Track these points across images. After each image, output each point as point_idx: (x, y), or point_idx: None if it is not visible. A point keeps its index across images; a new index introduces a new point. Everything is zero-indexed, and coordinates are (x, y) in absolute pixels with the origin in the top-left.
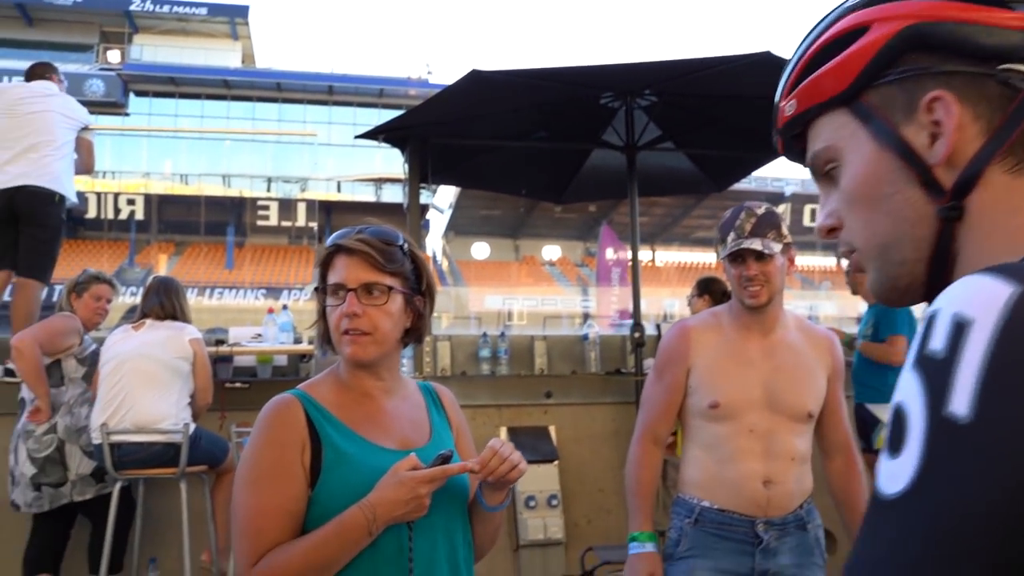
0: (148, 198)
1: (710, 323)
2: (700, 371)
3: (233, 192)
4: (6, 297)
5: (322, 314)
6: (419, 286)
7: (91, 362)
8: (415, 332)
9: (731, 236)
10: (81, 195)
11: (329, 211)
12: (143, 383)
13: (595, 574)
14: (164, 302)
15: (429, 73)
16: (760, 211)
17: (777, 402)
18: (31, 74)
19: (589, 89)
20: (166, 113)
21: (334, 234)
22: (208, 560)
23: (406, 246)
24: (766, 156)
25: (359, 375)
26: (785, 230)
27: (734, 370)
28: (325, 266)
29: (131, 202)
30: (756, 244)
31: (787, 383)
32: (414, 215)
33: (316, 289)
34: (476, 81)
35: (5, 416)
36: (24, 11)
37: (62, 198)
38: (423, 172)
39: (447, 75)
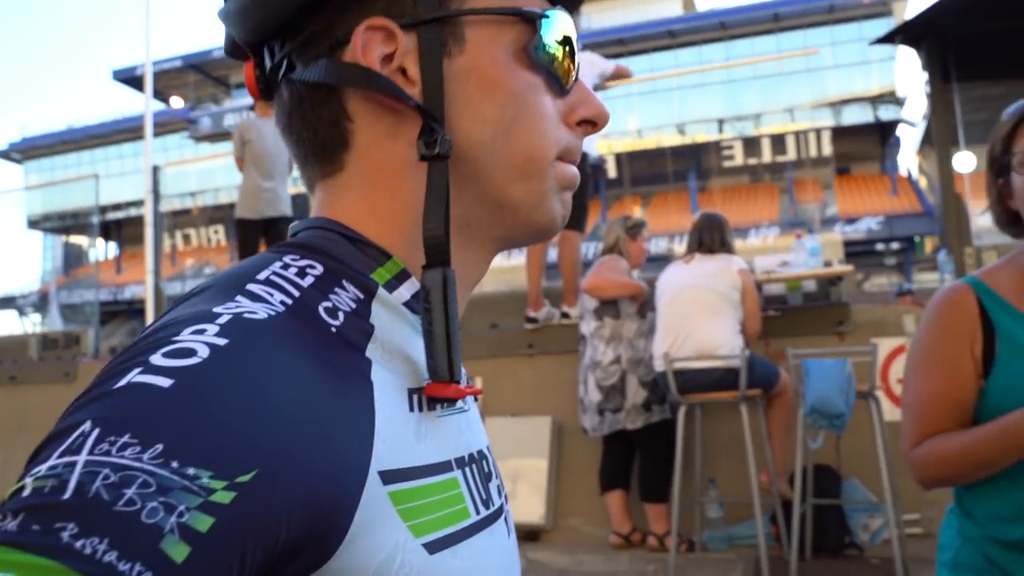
0: (618, 157)
1: None
2: None
3: (687, 139)
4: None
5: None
6: None
7: (643, 298)
8: None
9: None
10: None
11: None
12: (700, 312)
13: None
14: (704, 236)
15: None
16: None
17: None
18: None
19: None
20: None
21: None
22: (767, 481)
23: None
24: None
25: None
26: None
27: None
28: (1007, 140)
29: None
30: None
31: None
32: (941, 121)
33: (997, 162)
34: None
35: (569, 353)
36: None
37: (584, 155)
38: (945, 71)
39: None
